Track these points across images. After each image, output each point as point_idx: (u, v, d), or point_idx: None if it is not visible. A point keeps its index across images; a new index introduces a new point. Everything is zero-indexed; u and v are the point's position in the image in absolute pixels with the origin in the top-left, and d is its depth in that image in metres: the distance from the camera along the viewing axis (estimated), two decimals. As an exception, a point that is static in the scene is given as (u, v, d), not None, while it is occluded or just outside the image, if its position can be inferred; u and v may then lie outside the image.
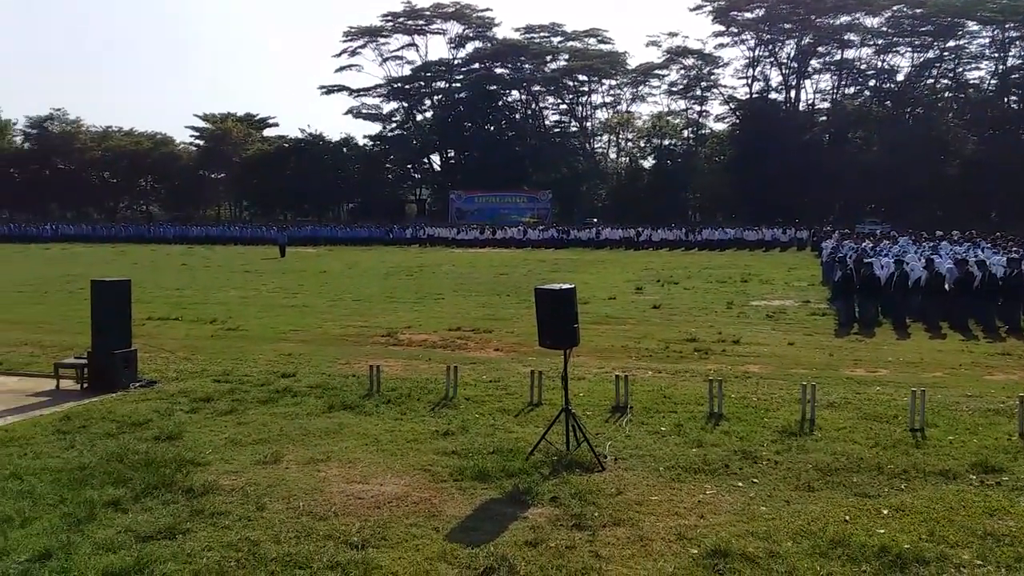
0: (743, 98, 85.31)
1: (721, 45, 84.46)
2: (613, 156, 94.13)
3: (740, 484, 7.16)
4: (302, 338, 15.70)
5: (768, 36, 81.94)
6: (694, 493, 6.93)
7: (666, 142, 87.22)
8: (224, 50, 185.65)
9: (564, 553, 5.72)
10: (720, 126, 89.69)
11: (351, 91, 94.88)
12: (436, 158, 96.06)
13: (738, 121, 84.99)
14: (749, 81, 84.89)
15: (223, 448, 8.14)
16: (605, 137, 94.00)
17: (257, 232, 66.23)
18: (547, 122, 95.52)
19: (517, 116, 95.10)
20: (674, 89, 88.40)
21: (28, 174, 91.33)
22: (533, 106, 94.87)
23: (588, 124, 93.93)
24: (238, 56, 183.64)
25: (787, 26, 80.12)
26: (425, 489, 7.02)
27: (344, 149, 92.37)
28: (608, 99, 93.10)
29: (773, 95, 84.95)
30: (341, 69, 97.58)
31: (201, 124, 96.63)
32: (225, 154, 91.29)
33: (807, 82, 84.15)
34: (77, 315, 17.72)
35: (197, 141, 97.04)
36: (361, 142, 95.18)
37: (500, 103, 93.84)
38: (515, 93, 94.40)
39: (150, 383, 11.22)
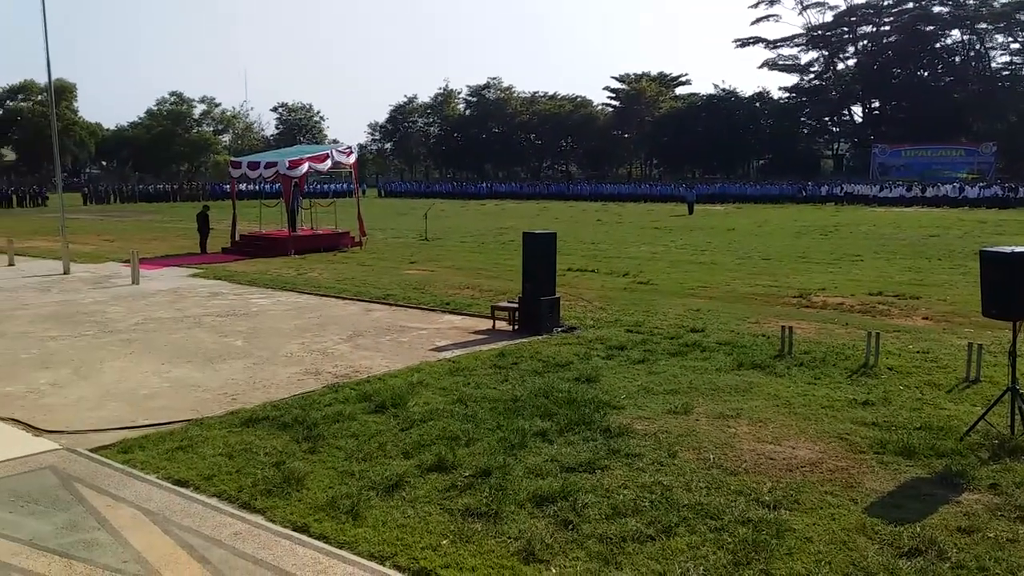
0: None
1: None
2: (1080, 100, 79.36)
3: None
4: (710, 294, 15.75)
5: None
6: None
7: None
8: (641, 9, 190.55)
9: (1004, 546, 5.09)
10: None
11: (767, 43, 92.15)
12: (857, 109, 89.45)
13: None
14: None
15: (636, 394, 8.51)
16: (1070, 78, 79.54)
17: (666, 190, 67.68)
18: (994, 64, 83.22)
19: (956, 59, 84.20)
20: None
21: (468, 137, 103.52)
22: (977, 47, 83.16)
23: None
24: (652, 14, 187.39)
25: None
26: (841, 458, 6.67)
27: (757, 103, 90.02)
28: (1076, 33, 78.49)
29: None
30: (757, 21, 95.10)
31: (616, 85, 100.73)
32: (638, 113, 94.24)
33: None
34: (508, 263, 19.77)
35: (612, 102, 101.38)
36: (775, 95, 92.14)
37: (936, 45, 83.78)
38: (955, 33, 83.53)
39: (570, 328, 12.10)
